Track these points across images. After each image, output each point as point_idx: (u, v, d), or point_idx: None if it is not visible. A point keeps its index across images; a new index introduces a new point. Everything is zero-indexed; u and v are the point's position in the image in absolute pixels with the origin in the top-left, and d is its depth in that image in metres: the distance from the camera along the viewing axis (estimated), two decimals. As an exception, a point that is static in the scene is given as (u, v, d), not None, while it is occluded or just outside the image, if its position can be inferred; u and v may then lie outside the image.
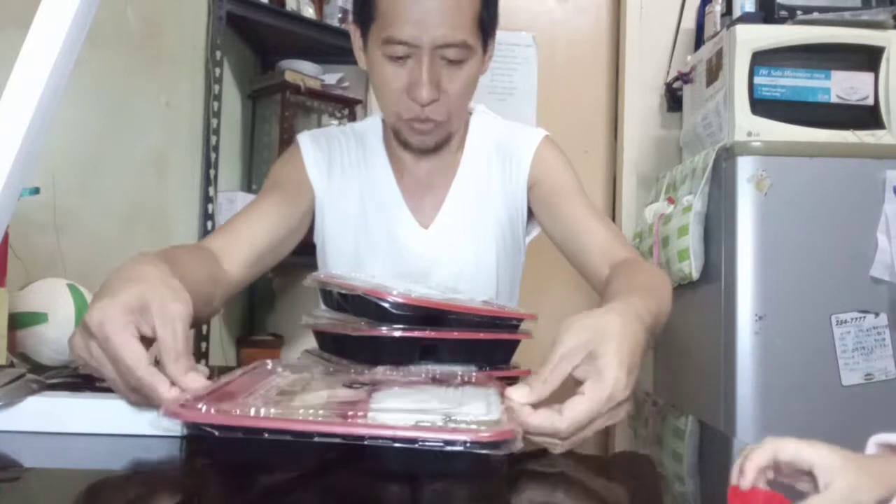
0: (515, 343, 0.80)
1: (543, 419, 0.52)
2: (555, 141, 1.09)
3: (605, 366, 0.54)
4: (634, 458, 0.66)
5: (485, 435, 0.44)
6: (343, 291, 0.77)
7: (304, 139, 1.08)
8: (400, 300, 0.71)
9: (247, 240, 0.94)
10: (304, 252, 1.10)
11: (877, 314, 1.62)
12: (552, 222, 1.04)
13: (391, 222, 1.05)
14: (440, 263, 1.03)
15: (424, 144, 0.99)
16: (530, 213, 1.09)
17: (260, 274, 0.99)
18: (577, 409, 0.52)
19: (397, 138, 1.02)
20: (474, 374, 0.65)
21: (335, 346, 0.81)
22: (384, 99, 0.96)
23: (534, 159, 1.05)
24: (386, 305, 0.71)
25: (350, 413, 0.47)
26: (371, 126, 1.11)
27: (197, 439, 0.47)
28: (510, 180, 1.06)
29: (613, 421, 0.56)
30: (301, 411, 0.47)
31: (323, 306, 0.86)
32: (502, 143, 1.08)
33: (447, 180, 1.06)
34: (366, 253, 1.05)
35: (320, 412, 0.47)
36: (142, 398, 0.52)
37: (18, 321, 0.88)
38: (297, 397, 0.53)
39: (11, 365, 0.84)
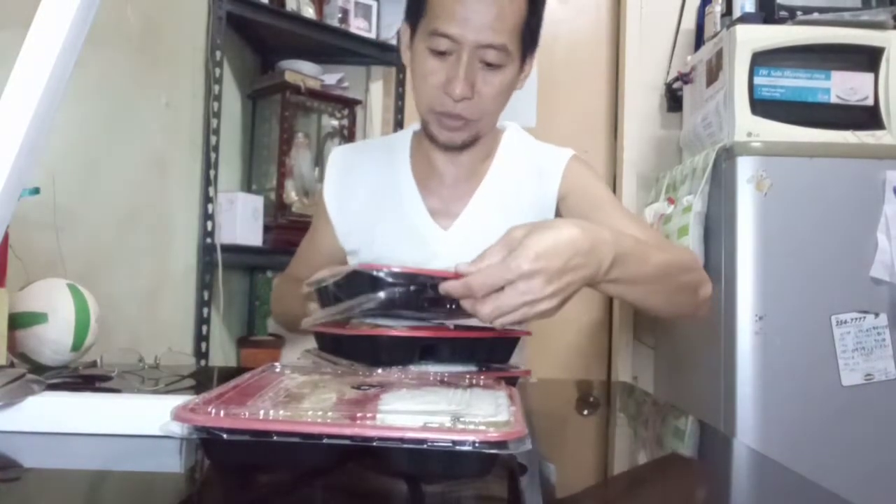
0: (515, 341, 0.80)
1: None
2: (583, 158, 1.13)
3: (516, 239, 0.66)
4: (639, 457, 0.65)
5: (493, 435, 0.44)
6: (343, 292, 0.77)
7: (332, 160, 1.16)
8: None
9: (326, 264, 1.02)
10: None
11: (877, 314, 1.62)
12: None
13: (409, 221, 1.08)
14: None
15: (451, 141, 1.03)
16: None
17: None
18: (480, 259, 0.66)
19: (427, 132, 1.06)
20: (482, 376, 0.65)
21: (335, 347, 0.81)
22: (421, 91, 1.01)
23: (563, 175, 1.09)
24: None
25: (359, 414, 0.47)
26: (402, 136, 1.17)
27: (201, 441, 0.47)
28: (540, 195, 1.09)
29: (533, 306, 0.66)
30: (310, 413, 0.47)
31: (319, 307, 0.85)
32: (534, 161, 1.12)
33: (472, 185, 1.10)
34: (382, 253, 1.07)
35: (329, 414, 0.47)
36: None
37: (18, 321, 0.88)
38: (305, 399, 0.53)
39: (11, 365, 0.84)
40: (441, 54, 0.95)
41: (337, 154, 1.17)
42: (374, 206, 1.10)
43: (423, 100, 1.00)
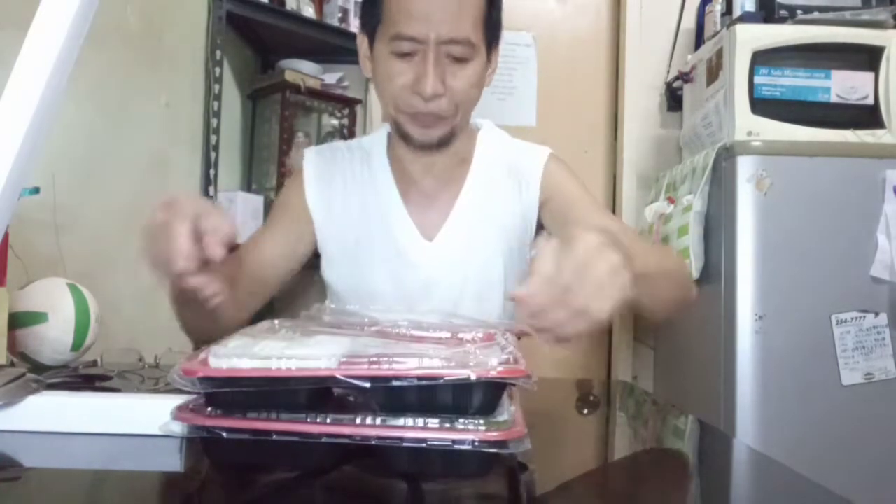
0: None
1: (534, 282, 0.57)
2: (559, 157, 1.12)
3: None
4: (639, 457, 0.66)
5: (493, 434, 0.44)
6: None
7: (308, 158, 1.11)
8: None
9: (253, 270, 1.01)
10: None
11: (877, 314, 1.61)
12: (567, 232, 1.05)
13: (394, 234, 1.05)
14: (444, 276, 1.04)
15: (428, 137, 0.99)
16: (537, 232, 1.10)
17: (264, 300, 1.07)
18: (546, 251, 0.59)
19: (399, 133, 1.02)
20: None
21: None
22: (389, 95, 0.98)
23: (543, 177, 1.08)
24: None
25: (358, 420, 0.46)
26: (377, 139, 1.12)
27: (200, 440, 0.47)
28: (520, 199, 1.07)
29: (613, 280, 0.58)
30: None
31: None
32: (511, 163, 1.10)
33: (453, 193, 1.07)
34: (368, 266, 1.05)
35: (328, 417, 0.47)
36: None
37: (18, 321, 0.88)
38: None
39: (11, 365, 0.84)
40: (405, 56, 0.93)
41: (313, 154, 1.12)
42: (356, 214, 1.06)
43: (391, 102, 0.97)
